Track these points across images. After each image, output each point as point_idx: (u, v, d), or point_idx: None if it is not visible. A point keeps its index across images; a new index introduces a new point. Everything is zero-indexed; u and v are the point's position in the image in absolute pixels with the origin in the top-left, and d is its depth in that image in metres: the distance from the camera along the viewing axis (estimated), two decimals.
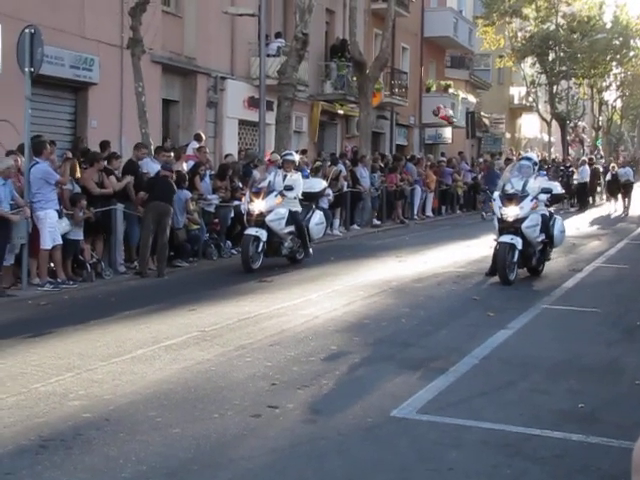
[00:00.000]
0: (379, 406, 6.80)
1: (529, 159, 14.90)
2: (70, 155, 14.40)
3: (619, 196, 33.87)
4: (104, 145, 15.49)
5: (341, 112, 31.32)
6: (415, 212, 27.80)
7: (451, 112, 39.11)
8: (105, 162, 14.60)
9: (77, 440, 5.87)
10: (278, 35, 26.47)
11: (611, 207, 34.24)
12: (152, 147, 16.72)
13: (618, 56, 55.09)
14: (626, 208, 32.70)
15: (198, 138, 19.89)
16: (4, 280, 12.24)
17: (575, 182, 35.33)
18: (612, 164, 37.64)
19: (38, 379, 7.45)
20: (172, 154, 16.27)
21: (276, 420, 6.42)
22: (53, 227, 12.66)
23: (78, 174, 14.05)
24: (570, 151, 55.11)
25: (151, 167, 15.21)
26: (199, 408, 6.65)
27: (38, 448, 5.69)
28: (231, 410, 6.60)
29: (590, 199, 36.89)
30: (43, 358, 8.30)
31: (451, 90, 41.06)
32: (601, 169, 39.61)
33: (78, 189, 13.76)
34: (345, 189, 22.71)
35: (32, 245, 12.55)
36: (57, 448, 5.71)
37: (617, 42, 53.96)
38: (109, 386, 7.25)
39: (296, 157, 16.58)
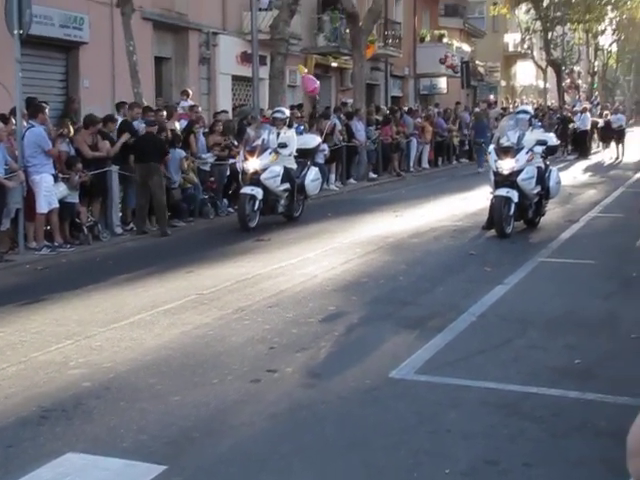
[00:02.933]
0: (378, 367, 6.82)
1: (525, 112, 14.84)
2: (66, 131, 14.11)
3: (612, 143, 33.77)
4: (107, 120, 15.23)
5: (335, 65, 31.09)
6: (411, 164, 27.68)
7: (456, 60, 38.80)
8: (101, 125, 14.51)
9: (78, 410, 5.90)
10: None
11: (605, 155, 34.14)
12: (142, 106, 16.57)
13: (613, 0, 54.50)
14: (620, 154, 32.63)
15: (185, 94, 19.78)
16: (1, 245, 12.24)
17: (576, 129, 35.11)
18: (605, 111, 37.42)
19: (38, 347, 7.45)
20: (164, 113, 16.20)
21: (275, 385, 6.43)
22: (49, 191, 12.62)
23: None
24: (566, 98, 54.74)
25: (140, 128, 15.10)
26: (198, 374, 6.66)
27: (39, 419, 5.71)
28: (230, 375, 6.61)
29: (588, 147, 36.67)
30: (42, 325, 8.31)
31: (445, 39, 40.75)
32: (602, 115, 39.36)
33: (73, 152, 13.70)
34: (340, 143, 22.60)
35: (28, 209, 12.52)
36: (58, 419, 5.73)
37: None
38: (108, 353, 7.26)
39: (287, 113, 16.38)
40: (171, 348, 7.41)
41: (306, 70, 25.27)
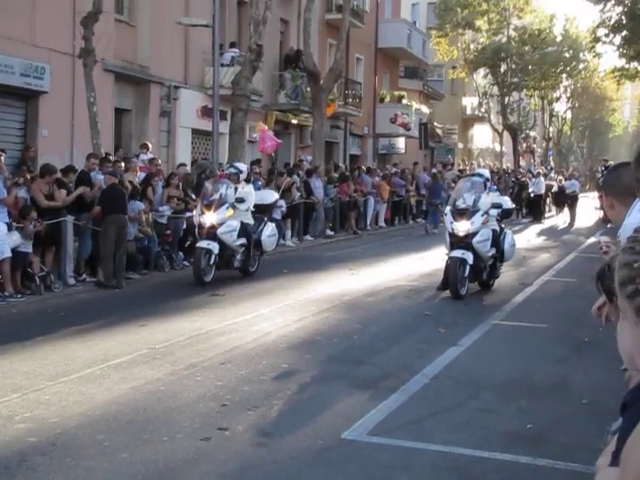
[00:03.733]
0: (330, 428, 6.78)
1: (481, 175, 15.05)
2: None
3: (566, 208, 34.39)
4: (66, 170, 15.16)
5: (295, 122, 31.33)
6: (368, 223, 27.86)
7: (407, 118, 39.28)
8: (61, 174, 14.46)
9: (22, 467, 5.77)
10: (232, 45, 26.42)
11: (559, 220, 34.69)
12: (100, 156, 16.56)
13: (568, 68, 55.87)
14: (572, 220, 33.17)
15: (145, 147, 19.80)
16: None
17: (531, 194, 35.72)
18: (559, 177, 38.13)
19: None
20: (123, 164, 16.21)
21: (226, 443, 6.36)
22: (2, 240, 12.45)
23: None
24: (521, 161, 55.65)
25: (100, 178, 15.04)
26: (148, 431, 6.56)
27: None
28: (180, 433, 6.52)
29: (542, 211, 37.22)
30: None
31: (405, 101, 41.29)
32: (556, 180, 40.09)
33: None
34: (298, 200, 22.70)
35: None
36: (1, 476, 5.59)
37: (567, 55, 54.76)
38: (56, 408, 7.12)
39: (241, 168, 16.33)
40: (121, 403, 7.30)
41: (266, 127, 25.40)
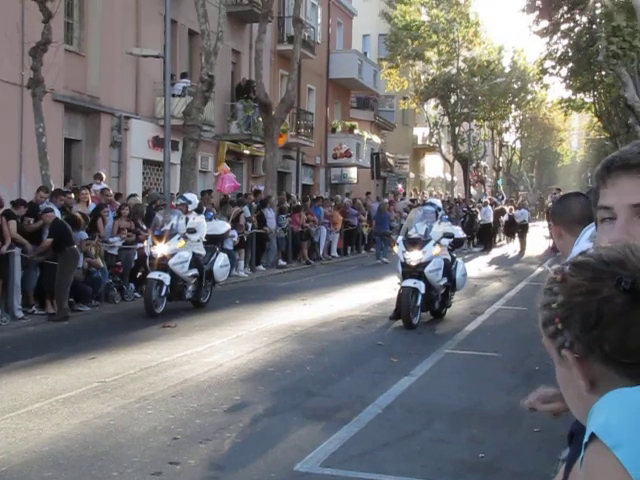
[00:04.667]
0: (283, 460, 6.74)
1: (433, 205, 15.16)
2: None
3: (517, 238, 34.85)
4: (16, 203, 15.01)
5: (247, 152, 31.38)
6: (321, 253, 27.90)
7: (345, 146, 39.50)
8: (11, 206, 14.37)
9: None
10: (184, 75, 26.43)
11: (509, 248, 35.11)
12: (52, 189, 16.43)
13: (516, 99, 56.85)
14: (522, 249, 33.57)
15: (99, 177, 19.69)
16: None
17: (479, 223, 36.15)
18: (510, 206, 38.64)
19: None
20: (73, 195, 16.11)
21: (177, 478, 6.28)
22: None
23: None
24: (472, 191, 56.29)
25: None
26: (97, 466, 6.46)
27: None
28: (130, 468, 6.44)
29: (492, 240, 37.65)
30: None
31: (356, 131, 41.60)
32: (505, 209, 40.63)
33: None
34: (250, 230, 22.68)
35: None
36: None
37: (515, 86, 55.69)
38: (2, 445, 6.97)
39: (190, 199, 16.24)
40: (69, 439, 7.18)
41: (228, 169, 25.49)
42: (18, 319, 13.81)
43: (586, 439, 1.37)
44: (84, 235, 15.28)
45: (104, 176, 20.10)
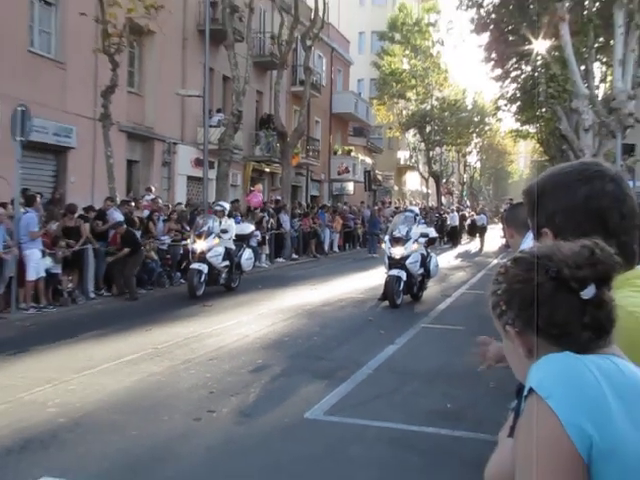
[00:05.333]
0: (295, 409, 6.77)
1: (412, 211, 15.17)
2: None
3: (477, 237, 34.77)
4: (88, 209, 15.02)
5: (267, 170, 31.35)
6: (325, 248, 27.87)
7: (345, 164, 39.58)
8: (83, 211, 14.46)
9: (53, 441, 5.70)
10: (219, 110, 26.42)
11: (471, 245, 35.04)
12: (118, 199, 16.48)
13: (477, 129, 56.53)
14: (481, 246, 33.50)
15: (149, 190, 19.74)
16: None
17: (448, 226, 36.13)
18: (471, 212, 38.50)
19: (23, 389, 7.19)
20: (133, 204, 16.17)
21: (213, 422, 6.33)
22: (37, 263, 12.33)
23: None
24: (443, 200, 56.08)
25: (114, 215, 14.96)
26: (152, 412, 6.51)
27: (21, 449, 5.50)
28: (177, 414, 6.48)
29: (457, 239, 37.61)
30: (27, 371, 8.04)
31: (353, 153, 41.56)
32: (466, 214, 40.65)
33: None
34: (270, 231, 22.69)
35: (20, 277, 12.17)
36: (37, 449, 5.53)
37: (476, 119, 55.36)
38: (80, 395, 7.04)
39: (225, 206, 16.28)
40: (130, 391, 7.23)
41: (261, 188, 25.68)
42: (91, 299, 13.87)
43: (525, 393, 1.40)
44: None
45: (153, 189, 20.12)
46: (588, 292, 1.40)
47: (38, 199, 13.24)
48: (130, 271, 14.31)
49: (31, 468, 5.12)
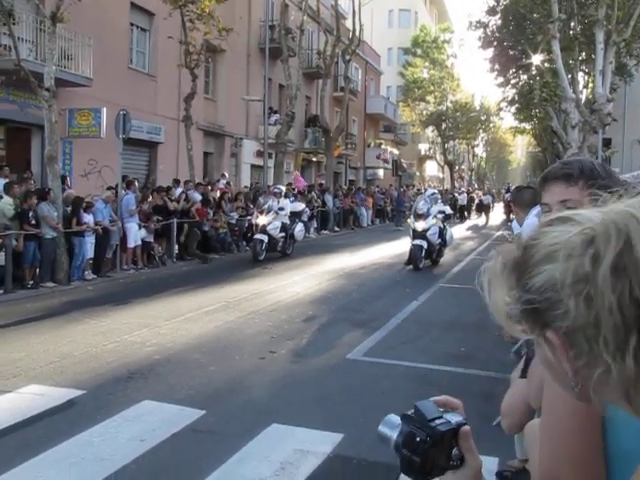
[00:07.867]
0: (338, 352, 6.76)
1: (433, 193, 14.95)
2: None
3: (483, 213, 34.21)
4: (169, 188, 15.08)
5: (314, 159, 31.18)
6: (362, 223, 27.69)
7: (385, 155, 39.18)
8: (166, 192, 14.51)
9: (151, 373, 5.80)
10: (276, 112, 26.24)
11: (479, 220, 34.46)
12: (197, 182, 16.56)
13: (483, 126, 55.30)
14: (486, 221, 32.94)
15: (223, 176, 19.81)
16: (105, 266, 12.07)
17: (460, 204, 35.59)
18: (479, 192, 37.79)
19: (126, 332, 7.34)
20: (209, 187, 16.20)
21: (274, 361, 6.36)
22: (135, 234, 12.50)
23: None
24: (455, 184, 55.18)
25: (193, 196, 15.04)
26: (225, 352, 6.57)
27: (127, 378, 5.62)
28: (246, 354, 6.53)
29: (467, 215, 37.06)
30: (129, 318, 8.19)
31: (383, 146, 41.06)
32: (474, 196, 39.94)
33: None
34: (317, 208, 22.60)
35: (122, 244, 12.38)
36: (139, 379, 5.63)
37: (482, 118, 54.13)
38: (169, 338, 7.15)
39: (282, 189, 16.19)
40: (208, 336, 7.31)
41: (298, 173, 25.52)
42: (176, 262, 14.02)
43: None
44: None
45: (226, 175, 20.17)
46: None
47: (135, 183, 13.36)
48: (191, 243, 14.35)
49: (135, 393, 5.23)
